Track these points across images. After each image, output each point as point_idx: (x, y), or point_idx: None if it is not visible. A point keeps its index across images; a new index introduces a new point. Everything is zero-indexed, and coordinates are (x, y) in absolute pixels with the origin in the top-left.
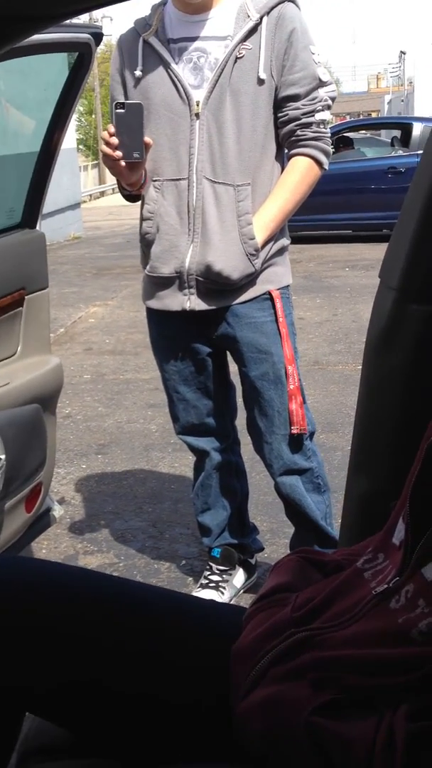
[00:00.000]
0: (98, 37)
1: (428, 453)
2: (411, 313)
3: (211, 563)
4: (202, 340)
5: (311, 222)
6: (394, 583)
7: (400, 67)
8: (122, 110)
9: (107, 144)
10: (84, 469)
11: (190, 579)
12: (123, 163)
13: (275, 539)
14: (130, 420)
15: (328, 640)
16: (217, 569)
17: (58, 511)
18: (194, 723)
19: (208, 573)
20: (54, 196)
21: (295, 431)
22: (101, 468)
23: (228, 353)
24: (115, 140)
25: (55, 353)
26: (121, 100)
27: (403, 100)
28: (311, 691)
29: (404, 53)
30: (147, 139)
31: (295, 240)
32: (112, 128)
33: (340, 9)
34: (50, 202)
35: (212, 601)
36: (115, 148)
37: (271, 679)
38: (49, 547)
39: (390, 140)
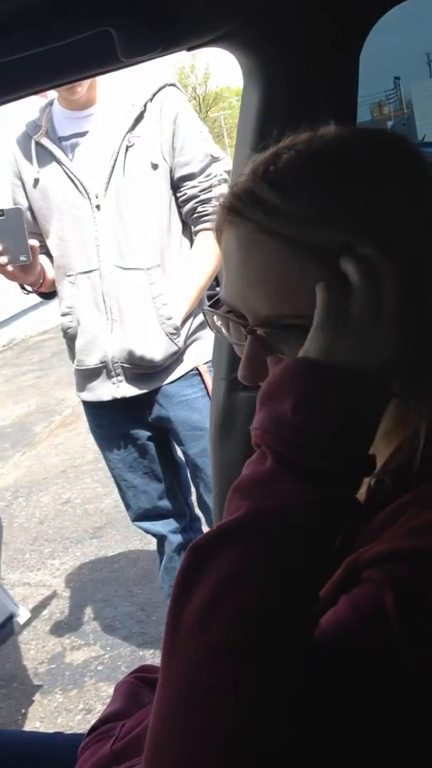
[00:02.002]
0: None
1: None
2: (241, 399)
3: None
4: (140, 425)
5: None
6: None
7: (396, 92)
8: (2, 217)
9: None
10: (78, 556)
11: None
12: (10, 268)
13: None
14: None
15: None
16: None
17: (22, 616)
18: None
19: None
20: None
21: None
22: (95, 553)
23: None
24: None
25: (60, 435)
26: (23, 202)
27: (404, 124)
28: None
29: (398, 79)
30: (32, 242)
31: None
32: None
33: None
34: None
35: (56, 734)
36: (0, 254)
37: None
38: (37, 647)
39: None
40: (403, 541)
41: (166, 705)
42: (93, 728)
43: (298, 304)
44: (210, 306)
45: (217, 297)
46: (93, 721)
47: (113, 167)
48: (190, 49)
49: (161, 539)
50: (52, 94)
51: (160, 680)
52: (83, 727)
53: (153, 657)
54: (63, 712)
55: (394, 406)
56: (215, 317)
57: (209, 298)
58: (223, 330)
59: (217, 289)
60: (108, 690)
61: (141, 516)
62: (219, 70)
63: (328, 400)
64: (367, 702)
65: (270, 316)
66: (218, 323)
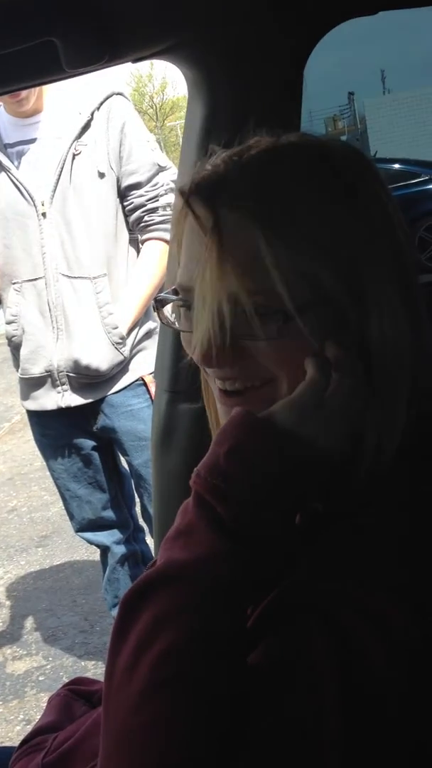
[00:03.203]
0: None
1: None
2: (183, 411)
3: None
4: (84, 435)
5: None
6: None
7: (350, 107)
8: None
9: None
10: (23, 565)
11: None
12: None
13: None
14: None
15: None
16: None
17: None
18: None
19: None
20: None
21: None
22: (40, 562)
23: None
24: None
25: (7, 442)
26: None
27: (358, 139)
28: None
29: (352, 94)
30: None
31: None
32: None
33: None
34: None
35: None
36: None
37: None
38: None
39: None
40: (333, 581)
41: (106, 750)
42: (25, 741)
43: (261, 281)
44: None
45: (170, 289)
46: (28, 733)
47: (60, 175)
48: (135, 60)
49: (105, 550)
50: None
51: (101, 728)
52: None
53: (95, 667)
54: (2, 722)
55: None
56: (167, 309)
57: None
58: (175, 321)
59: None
60: None
61: (85, 527)
62: (176, 79)
63: (262, 455)
64: (295, 740)
65: (233, 293)
66: (170, 315)
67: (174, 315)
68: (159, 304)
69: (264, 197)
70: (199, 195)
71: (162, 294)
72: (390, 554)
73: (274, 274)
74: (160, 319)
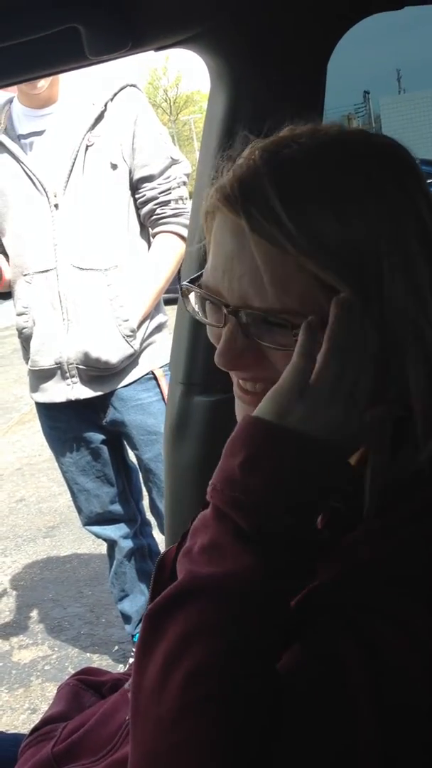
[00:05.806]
0: None
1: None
2: (197, 404)
3: (134, 649)
4: (93, 428)
5: None
6: None
7: (365, 106)
8: None
9: None
10: (30, 555)
11: (121, 666)
12: None
13: None
14: None
15: None
16: None
17: None
18: None
19: (132, 659)
20: None
21: None
22: (47, 552)
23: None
24: None
25: (17, 432)
26: None
27: None
28: None
29: (368, 93)
30: None
31: None
32: None
33: None
34: None
35: None
36: None
37: None
38: None
39: None
40: (366, 588)
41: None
42: (35, 729)
43: (288, 300)
44: (190, 283)
45: (197, 275)
46: (38, 722)
47: (72, 166)
48: (158, 49)
49: (112, 544)
50: (12, 91)
51: (130, 744)
52: (28, 727)
53: (100, 659)
54: (8, 710)
55: None
56: (192, 296)
57: (167, 302)
58: (199, 312)
59: (181, 284)
60: (54, 690)
61: (93, 520)
62: (191, 73)
63: (275, 462)
64: (329, 753)
65: (259, 308)
66: (194, 304)
67: (198, 306)
68: (185, 292)
69: (293, 209)
70: (240, 197)
71: (186, 283)
72: (416, 557)
73: (293, 287)
74: (186, 307)
